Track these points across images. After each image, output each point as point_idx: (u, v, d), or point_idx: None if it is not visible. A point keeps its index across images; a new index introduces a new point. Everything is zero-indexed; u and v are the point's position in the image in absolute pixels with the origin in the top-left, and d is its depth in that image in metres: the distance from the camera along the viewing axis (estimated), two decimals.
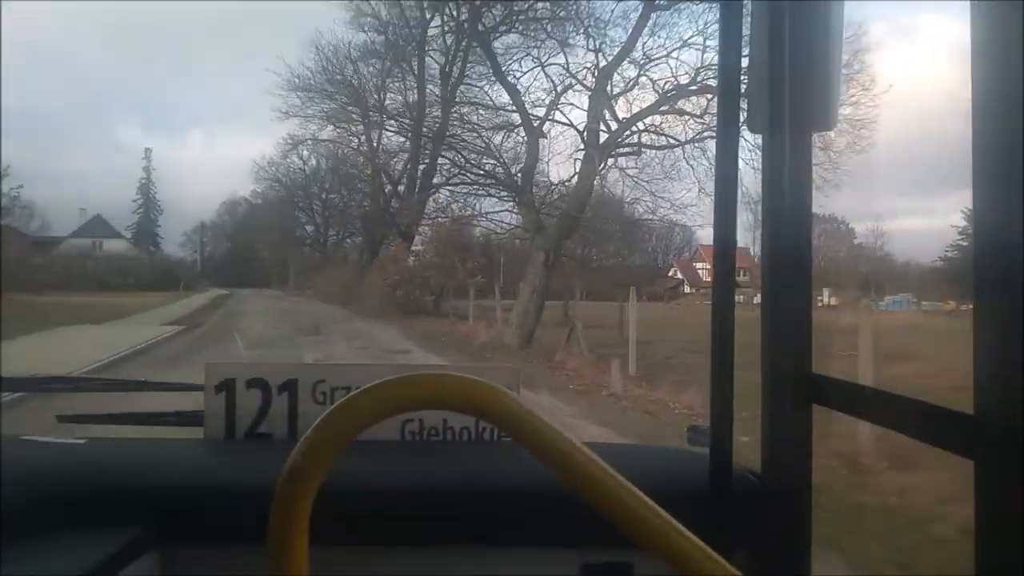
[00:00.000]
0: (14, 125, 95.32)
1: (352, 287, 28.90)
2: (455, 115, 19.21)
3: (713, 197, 0.99)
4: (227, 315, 23.19)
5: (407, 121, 24.93)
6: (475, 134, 17.97)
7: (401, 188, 28.66)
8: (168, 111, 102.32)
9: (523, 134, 17.55)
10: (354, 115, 27.50)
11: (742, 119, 1.00)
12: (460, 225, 24.60)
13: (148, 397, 1.50)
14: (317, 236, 50.50)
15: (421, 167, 27.08)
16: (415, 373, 0.54)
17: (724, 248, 0.98)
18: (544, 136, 15.89)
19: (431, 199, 26.25)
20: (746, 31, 0.97)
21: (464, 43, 20.48)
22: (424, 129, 26.18)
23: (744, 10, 0.96)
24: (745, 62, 0.99)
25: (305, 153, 44.19)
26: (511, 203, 19.64)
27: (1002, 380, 0.53)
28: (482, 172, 18.44)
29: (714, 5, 9.87)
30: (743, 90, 0.97)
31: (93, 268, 51.29)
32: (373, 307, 23.56)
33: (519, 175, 16.12)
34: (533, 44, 16.59)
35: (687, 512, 0.55)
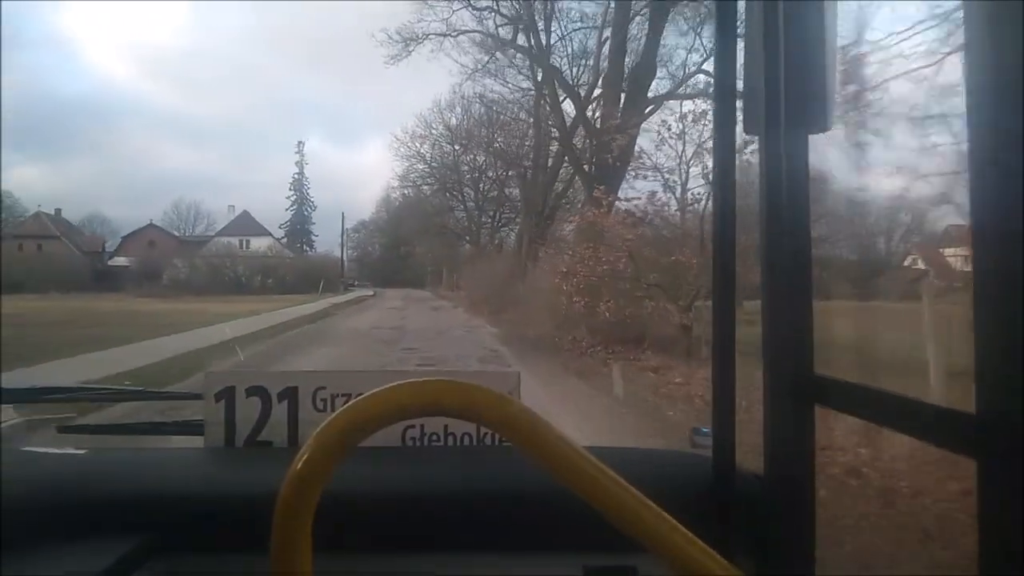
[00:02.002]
0: (208, 135, 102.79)
1: (506, 290, 17.69)
2: None
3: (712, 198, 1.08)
4: (283, 346, 12.63)
5: None
6: None
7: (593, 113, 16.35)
8: (347, 121, 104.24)
9: None
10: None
11: (738, 120, 1.00)
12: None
13: (148, 407, 1.70)
14: (469, 224, 40.08)
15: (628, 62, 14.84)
16: (416, 380, 0.54)
17: (724, 248, 0.99)
18: None
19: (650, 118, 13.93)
20: (741, 31, 0.98)
21: None
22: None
23: (739, 10, 0.98)
24: (741, 62, 0.99)
25: (454, 121, 34.60)
26: None
27: (1005, 379, 0.53)
28: None
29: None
30: (739, 91, 0.99)
31: (231, 270, 45.90)
32: (540, 331, 11.84)
33: None
34: None
35: (690, 514, 0.56)
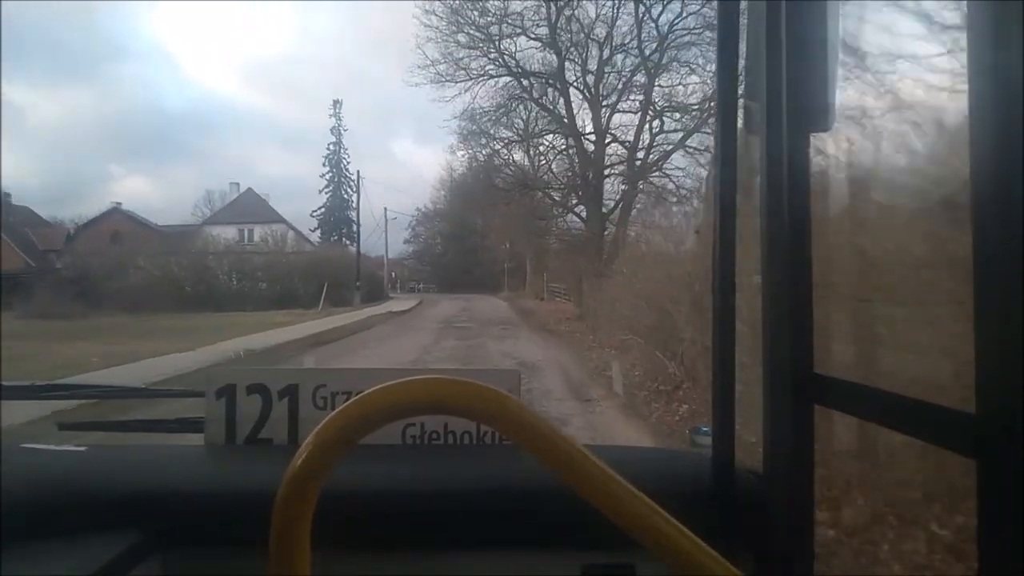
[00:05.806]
0: (303, 139, 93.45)
1: None
2: None
3: (713, 197, 1.00)
4: None
5: None
6: None
7: None
8: (437, 122, 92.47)
9: None
10: None
11: (740, 119, 1.00)
12: None
13: (148, 404, 1.52)
14: (572, 177, 21.04)
15: None
16: (416, 378, 0.54)
17: (725, 248, 0.98)
18: None
19: None
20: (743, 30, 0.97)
21: None
22: None
23: (741, 9, 0.97)
24: (743, 62, 0.99)
25: None
26: None
27: (1004, 379, 0.54)
28: None
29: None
30: (741, 90, 0.98)
31: (207, 270, 29.97)
32: None
33: None
34: None
35: (689, 513, 0.56)
